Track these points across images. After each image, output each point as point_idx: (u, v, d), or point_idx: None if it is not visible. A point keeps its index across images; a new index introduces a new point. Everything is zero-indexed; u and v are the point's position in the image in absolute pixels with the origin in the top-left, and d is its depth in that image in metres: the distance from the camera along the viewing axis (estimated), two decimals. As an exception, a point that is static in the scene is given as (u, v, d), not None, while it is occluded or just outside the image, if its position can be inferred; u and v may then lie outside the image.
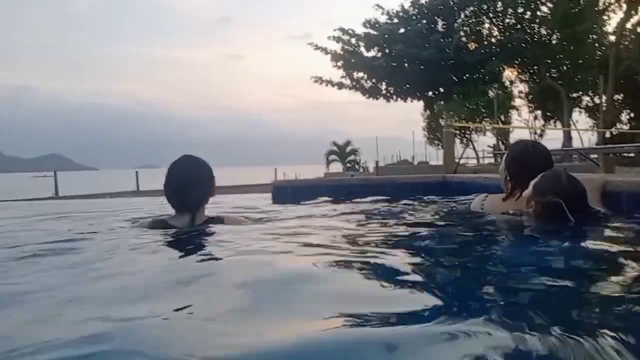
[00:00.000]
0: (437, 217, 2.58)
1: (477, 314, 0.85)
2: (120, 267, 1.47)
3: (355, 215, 2.67)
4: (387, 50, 18.77)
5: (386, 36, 18.87)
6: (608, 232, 1.78)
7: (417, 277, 1.24)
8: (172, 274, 1.36)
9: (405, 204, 3.06)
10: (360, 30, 19.19)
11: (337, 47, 18.91)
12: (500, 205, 2.24)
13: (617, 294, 1.04)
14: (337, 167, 33.45)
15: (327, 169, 32.01)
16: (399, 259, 1.42)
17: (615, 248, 1.49)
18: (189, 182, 2.09)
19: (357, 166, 33.29)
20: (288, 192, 3.82)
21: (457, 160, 13.02)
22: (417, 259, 1.50)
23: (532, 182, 1.96)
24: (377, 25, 19.33)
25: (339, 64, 18.73)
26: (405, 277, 1.20)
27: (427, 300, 1.00)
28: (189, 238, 1.96)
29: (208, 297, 1.11)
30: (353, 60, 18.77)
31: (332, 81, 18.93)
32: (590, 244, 1.64)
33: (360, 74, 19.07)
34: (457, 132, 27.99)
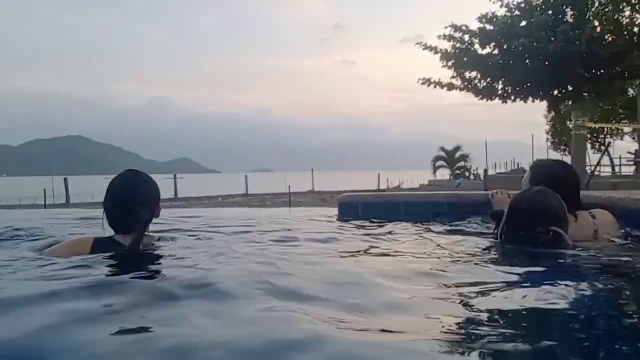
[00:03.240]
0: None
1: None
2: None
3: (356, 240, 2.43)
4: (505, 46, 17.10)
5: (505, 30, 17.22)
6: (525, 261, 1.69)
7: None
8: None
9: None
10: (475, 26, 17.75)
11: (447, 45, 17.65)
12: None
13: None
14: (443, 174, 31.70)
15: (433, 175, 30.38)
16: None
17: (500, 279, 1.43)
18: (132, 201, 1.90)
19: (467, 173, 31.19)
20: (357, 210, 3.11)
21: (589, 171, 11.23)
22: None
23: None
24: (494, 20, 17.75)
25: (449, 63, 17.43)
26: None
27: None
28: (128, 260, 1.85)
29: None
30: (465, 59, 17.34)
31: (442, 82, 17.68)
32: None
33: (473, 73, 17.59)
34: (590, 135, 24.84)
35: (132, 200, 1.90)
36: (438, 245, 2.12)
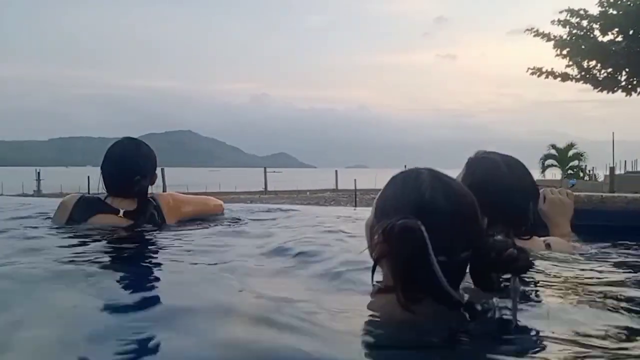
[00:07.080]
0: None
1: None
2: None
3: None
4: (631, 32, 15.21)
5: (631, 14, 15.24)
6: None
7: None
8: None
9: None
10: (595, 10, 15.92)
11: (562, 32, 16.02)
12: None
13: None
14: (554, 174, 29.05)
15: (541, 175, 27.90)
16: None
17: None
18: (130, 169, 2.02)
19: (581, 173, 28.28)
20: None
21: None
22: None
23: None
24: (618, 3, 15.76)
25: (564, 51, 15.80)
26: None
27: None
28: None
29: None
30: (583, 46, 15.64)
31: (555, 72, 16.08)
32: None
33: (592, 62, 15.79)
34: None
35: (130, 169, 2.01)
36: None
